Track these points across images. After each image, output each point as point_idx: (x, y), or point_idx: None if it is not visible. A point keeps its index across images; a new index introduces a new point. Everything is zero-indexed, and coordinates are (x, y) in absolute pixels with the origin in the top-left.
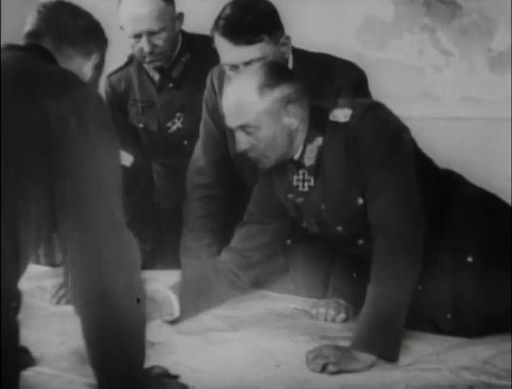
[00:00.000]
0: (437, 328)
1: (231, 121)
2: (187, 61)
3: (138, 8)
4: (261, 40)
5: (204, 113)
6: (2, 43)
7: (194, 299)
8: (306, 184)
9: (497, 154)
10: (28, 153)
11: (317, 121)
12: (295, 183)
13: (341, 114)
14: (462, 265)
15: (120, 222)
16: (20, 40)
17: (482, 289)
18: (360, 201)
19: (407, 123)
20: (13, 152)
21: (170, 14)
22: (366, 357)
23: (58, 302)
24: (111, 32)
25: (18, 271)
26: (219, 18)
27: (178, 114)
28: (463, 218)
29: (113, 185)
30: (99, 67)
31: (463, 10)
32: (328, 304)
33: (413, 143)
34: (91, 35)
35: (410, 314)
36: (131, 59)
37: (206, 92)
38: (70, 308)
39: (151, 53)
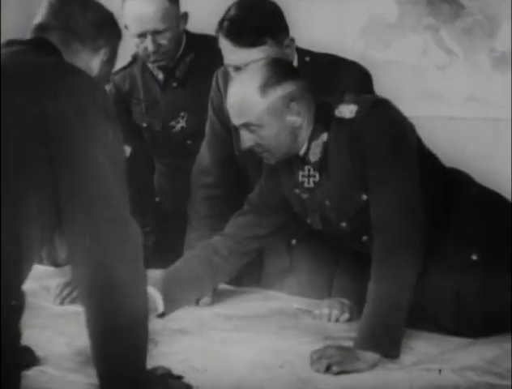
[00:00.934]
0: (441, 327)
1: (235, 120)
2: (191, 60)
3: (143, 7)
4: (264, 43)
5: (210, 113)
6: (2, 40)
7: (178, 291)
8: (311, 180)
9: (500, 153)
10: (28, 149)
11: (323, 117)
12: (300, 179)
13: (346, 110)
14: (467, 263)
15: (124, 214)
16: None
17: (486, 288)
18: (365, 197)
19: None
20: (12, 149)
21: (175, 14)
22: (369, 357)
23: (62, 302)
24: None
25: (21, 272)
26: (223, 19)
27: (182, 113)
28: (468, 216)
29: (117, 175)
30: (109, 62)
31: (467, 10)
32: (332, 304)
33: (418, 140)
34: (101, 29)
35: (414, 312)
36: (135, 58)
37: (211, 92)
38: (73, 308)
39: (155, 52)
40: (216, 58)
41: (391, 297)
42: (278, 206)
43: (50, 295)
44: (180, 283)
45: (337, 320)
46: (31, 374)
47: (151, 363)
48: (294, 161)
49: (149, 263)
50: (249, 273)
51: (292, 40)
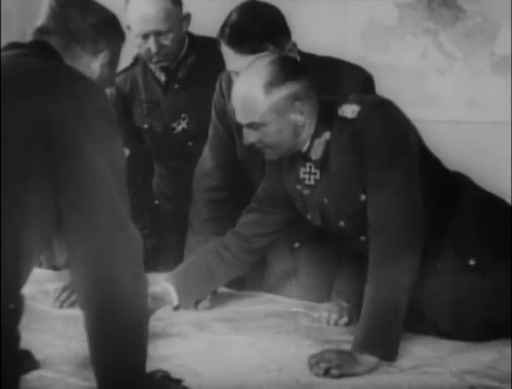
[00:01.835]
0: (439, 331)
1: (239, 118)
2: (193, 62)
3: (146, 8)
4: (265, 49)
5: (213, 117)
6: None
7: (193, 285)
8: (312, 177)
9: (499, 157)
10: (29, 154)
11: (326, 116)
12: (301, 176)
13: (349, 110)
14: (464, 268)
15: (125, 219)
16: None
17: (482, 293)
18: (363, 198)
19: None
20: (13, 154)
21: (178, 15)
22: (368, 361)
23: (61, 306)
24: None
25: (21, 275)
26: (224, 25)
27: (183, 115)
28: (468, 221)
29: (117, 181)
30: (111, 64)
31: (466, 14)
32: (331, 307)
33: (421, 143)
34: (101, 33)
35: (412, 315)
36: (137, 60)
37: (215, 96)
38: (73, 311)
39: (158, 53)
40: (218, 60)
41: (388, 300)
42: (282, 203)
43: (49, 298)
44: (194, 277)
45: (336, 323)
46: (30, 378)
47: (150, 366)
48: (297, 158)
49: (149, 266)
50: (252, 277)
51: (294, 44)
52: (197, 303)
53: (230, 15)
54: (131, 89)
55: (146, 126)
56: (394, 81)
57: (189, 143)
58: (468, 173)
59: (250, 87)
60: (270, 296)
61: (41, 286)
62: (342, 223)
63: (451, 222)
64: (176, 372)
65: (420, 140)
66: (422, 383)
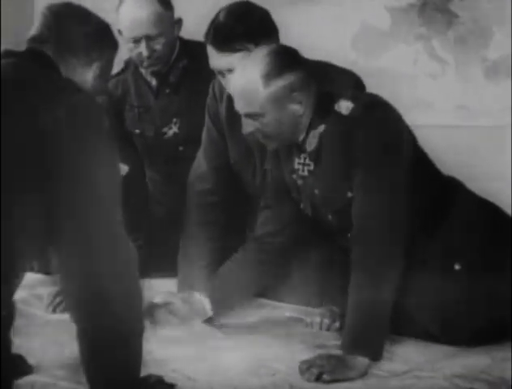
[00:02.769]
0: (429, 334)
1: (238, 107)
2: (184, 66)
3: (138, 12)
4: (246, 49)
5: (207, 120)
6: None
7: (226, 296)
8: (306, 168)
9: (491, 161)
10: (23, 165)
11: (322, 109)
12: (296, 166)
13: (344, 106)
14: (449, 272)
15: (117, 231)
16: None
17: (466, 298)
18: (350, 195)
19: None
20: (7, 164)
21: (169, 20)
22: (359, 365)
23: (54, 310)
24: None
25: (12, 282)
26: (210, 25)
27: (175, 119)
28: (457, 225)
29: (111, 194)
30: (103, 74)
31: (459, 19)
32: (323, 313)
33: (415, 145)
34: (95, 43)
35: (402, 317)
36: (128, 65)
37: (208, 100)
38: (65, 316)
39: (149, 57)
40: (208, 65)
41: (371, 301)
42: (282, 194)
43: (42, 303)
44: (228, 287)
45: (328, 329)
46: (23, 383)
47: (143, 371)
48: (293, 148)
49: (141, 272)
50: None
51: None
52: None
53: (217, 16)
54: (123, 94)
55: (137, 130)
56: (387, 86)
57: (181, 148)
58: (459, 178)
59: (249, 77)
60: (264, 301)
61: (34, 290)
62: (330, 216)
63: (440, 225)
64: (169, 376)
65: (414, 142)
66: (414, 388)
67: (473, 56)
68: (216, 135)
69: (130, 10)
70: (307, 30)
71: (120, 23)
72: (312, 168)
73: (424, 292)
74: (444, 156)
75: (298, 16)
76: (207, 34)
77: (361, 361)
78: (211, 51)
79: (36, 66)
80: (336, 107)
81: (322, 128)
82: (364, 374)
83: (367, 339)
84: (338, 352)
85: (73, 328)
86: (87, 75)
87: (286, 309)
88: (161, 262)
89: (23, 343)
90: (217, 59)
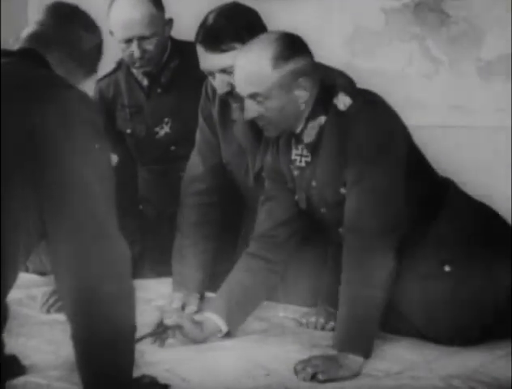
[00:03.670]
0: (422, 334)
1: (241, 90)
2: (175, 67)
3: (129, 13)
4: (233, 48)
5: (200, 121)
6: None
7: (237, 310)
8: (304, 159)
9: (485, 162)
10: (14, 162)
11: (323, 100)
12: (293, 157)
13: (342, 101)
14: (439, 273)
15: (110, 230)
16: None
17: (455, 299)
18: (343, 191)
19: None
20: (1, 162)
21: (161, 20)
22: (353, 364)
23: (48, 311)
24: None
25: (6, 284)
26: (199, 26)
27: (166, 119)
28: (449, 226)
29: (103, 193)
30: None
31: (452, 19)
32: (318, 312)
33: (411, 145)
34: (99, 53)
35: (395, 316)
36: (120, 65)
37: (201, 101)
38: (60, 316)
39: (141, 58)
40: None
41: (362, 298)
42: (281, 183)
43: (36, 303)
44: (235, 303)
45: (323, 328)
46: (17, 383)
47: (136, 372)
48: (291, 138)
49: (134, 272)
50: None
51: None
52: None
53: (206, 17)
54: (114, 94)
55: (129, 130)
56: (380, 86)
57: (172, 147)
58: (453, 178)
59: (257, 59)
60: None
61: (28, 291)
62: (323, 210)
63: (433, 226)
64: (162, 377)
65: (410, 142)
66: (409, 388)
67: (467, 56)
68: (210, 135)
69: (121, 10)
70: (299, 30)
71: (111, 24)
72: (309, 159)
73: (414, 292)
74: (437, 155)
75: (289, 16)
76: (197, 35)
77: (355, 360)
78: (201, 52)
79: (28, 64)
80: (335, 100)
81: (322, 120)
82: (358, 374)
83: (356, 336)
84: (333, 351)
85: (67, 328)
86: (84, 84)
87: (281, 309)
88: (154, 261)
89: (17, 343)
90: (207, 60)
